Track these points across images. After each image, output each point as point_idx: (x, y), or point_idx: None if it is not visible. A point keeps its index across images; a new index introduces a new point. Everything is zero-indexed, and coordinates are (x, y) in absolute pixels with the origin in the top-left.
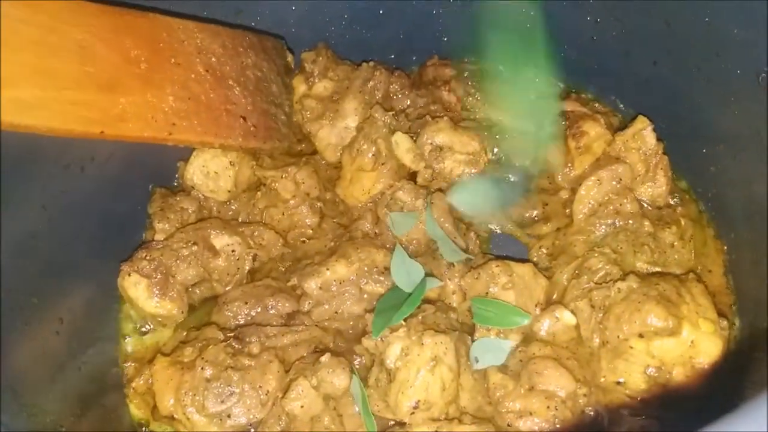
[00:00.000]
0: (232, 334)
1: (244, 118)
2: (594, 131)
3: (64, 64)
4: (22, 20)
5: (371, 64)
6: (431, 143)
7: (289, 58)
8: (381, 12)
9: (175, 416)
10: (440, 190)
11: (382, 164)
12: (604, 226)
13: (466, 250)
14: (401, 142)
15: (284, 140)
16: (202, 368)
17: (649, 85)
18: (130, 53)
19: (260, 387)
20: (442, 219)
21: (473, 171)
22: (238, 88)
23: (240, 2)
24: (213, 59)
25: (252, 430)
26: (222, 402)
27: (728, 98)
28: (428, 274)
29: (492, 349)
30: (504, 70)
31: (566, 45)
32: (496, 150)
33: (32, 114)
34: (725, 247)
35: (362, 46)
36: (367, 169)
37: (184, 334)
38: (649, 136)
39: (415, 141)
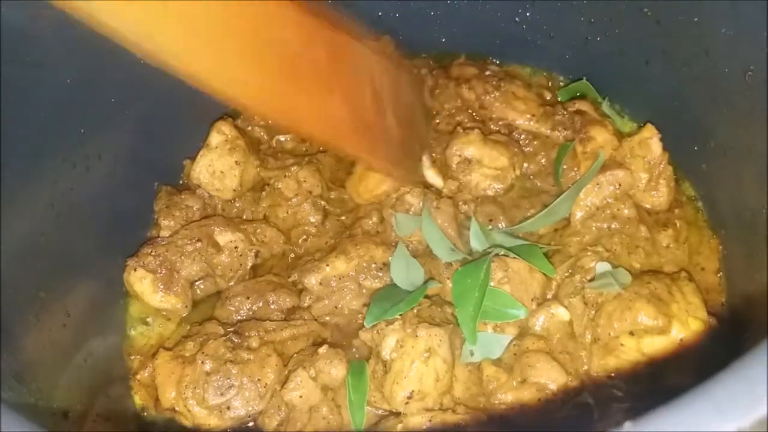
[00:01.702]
0: (232, 329)
1: (391, 146)
2: (601, 137)
3: (260, 48)
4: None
5: None
6: (460, 155)
7: (429, 102)
8: (380, 14)
9: (176, 408)
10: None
11: None
12: (599, 229)
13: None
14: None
15: (413, 175)
16: (202, 362)
17: (641, 85)
18: (320, 60)
19: (259, 380)
20: (446, 224)
21: (500, 186)
22: (394, 120)
23: None
24: (380, 87)
25: (251, 421)
26: (221, 394)
27: (717, 96)
28: (426, 274)
29: (489, 343)
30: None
31: (560, 45)
32: (525, 166)
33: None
34: (720, 246)
35: None
36: None
37: (188, 328)
38: (655, 146)
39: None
